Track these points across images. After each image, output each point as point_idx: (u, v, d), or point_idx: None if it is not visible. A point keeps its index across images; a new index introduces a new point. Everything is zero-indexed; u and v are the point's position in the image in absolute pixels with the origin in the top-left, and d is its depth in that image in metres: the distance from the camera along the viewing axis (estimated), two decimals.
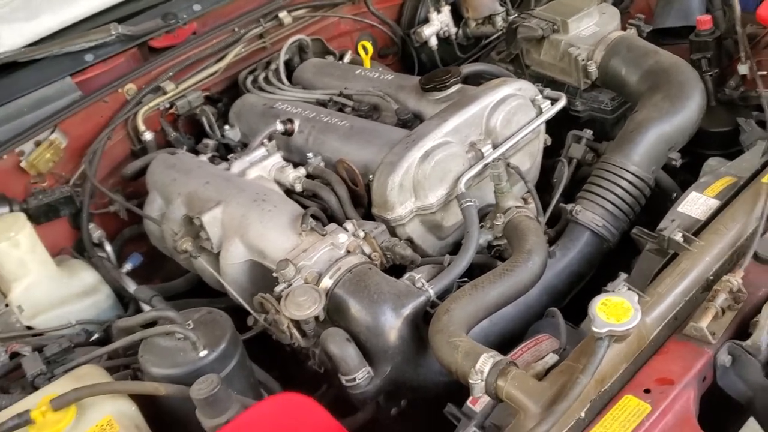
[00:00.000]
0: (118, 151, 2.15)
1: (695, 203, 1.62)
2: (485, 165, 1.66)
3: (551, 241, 1.72)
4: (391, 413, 1.55)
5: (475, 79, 2.02)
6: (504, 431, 1.22)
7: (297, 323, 1.43)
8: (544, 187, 1.91)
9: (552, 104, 1.81)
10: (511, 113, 1.73)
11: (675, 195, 1.84)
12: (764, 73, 1.91)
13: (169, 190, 1.84)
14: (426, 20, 2.57)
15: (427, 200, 1.62)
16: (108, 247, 2.01)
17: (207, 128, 2.16)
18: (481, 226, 1.66)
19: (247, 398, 1.31)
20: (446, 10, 2.57)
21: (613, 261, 1.73)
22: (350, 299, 1.44)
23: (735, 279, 1.34)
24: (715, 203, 1.60)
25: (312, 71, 2.23)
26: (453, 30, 2.61)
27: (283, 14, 2.31)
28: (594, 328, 1.19)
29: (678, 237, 1.48)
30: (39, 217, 1.98)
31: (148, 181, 1.94)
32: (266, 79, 2.18)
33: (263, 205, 1.62)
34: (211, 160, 1.94)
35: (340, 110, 2.00)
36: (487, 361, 1.24)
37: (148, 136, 2.12)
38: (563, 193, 1.84)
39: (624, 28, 2.10)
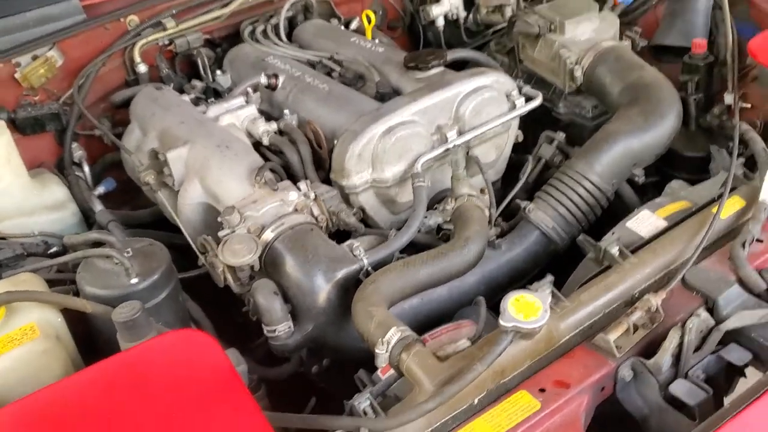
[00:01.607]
0: (113, 78, 2.21)
1: (644, 221, 1.65)
2: (446, 150, 1.69)
3: (502, 234, 1.76)
4: (312, 370, 1.61)
5: (462, 65, 2.05)
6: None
7: (232, 269, 1.49)
8: (510, 181, 1.95)
9: (527, 102, 1.83)
10: (482, 104, 1.76)
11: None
12: (748, 105, 1.91)
13: (147, 123, 1.89)
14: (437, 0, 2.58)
15: (383, 174, 1.66)
16: (86, 168, 2.08)
17: (201, 70, 2.21)
18: (435, 208, 1.70)
19: (164, 329, 1.38)
20: None
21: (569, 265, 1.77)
22: (287, 255, 1.49)
23: (655, 299, 1.37)
24: (662, 224, 1.63)
25: (311, 32, 2.26)
26: (462, 14, 2.61)
27: None
28: (501, 321, 1.24)
29: (614, 250, 1.51)
30: (25, 128, 2.05)
31: (130, 111, 2.00)
32: (264, 33, 2.21)
33: (226, 151, 1.67)
34: (195, 101, 1.99)
35: (328, 74, 2.04)
36: (395, 334, 1.29)
37: (142, 68, 2.17)
38: (529, 191, 1.87)
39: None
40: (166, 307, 1.45)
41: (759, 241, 1.53)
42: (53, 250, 1.79)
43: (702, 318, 1.33)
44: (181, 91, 2.10)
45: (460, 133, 1.74)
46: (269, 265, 1.52)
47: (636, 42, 2.06)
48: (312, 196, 1.59)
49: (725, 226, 1.57)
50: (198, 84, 2.11)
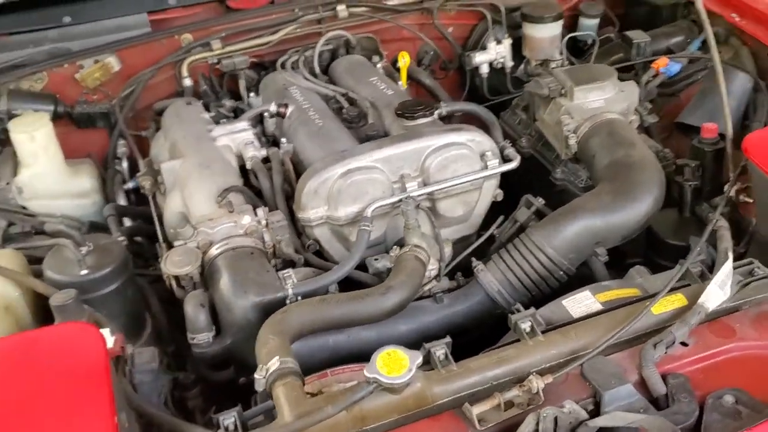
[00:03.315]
0: (164, 88, 2.47)
1: (580, 302, 1.62)
2: (401, 199, 1.76)
3: (454, 290, 1.80)
4: (239, 381, 1.74)
5: (467, 118, 2.10)
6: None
7: (176, 277, 1.66)
8: (490, 238, 1.97)
9: (506, 162, 1.86)
10: (449, 160, 1.80)
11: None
12: (750, 200, 1.81)
13: (167, 132, 2.12)
14: (484, 47, 2.63)
15: (336, 212, 1.76)
16: (124, 164, 2.34)
17: (241, 90, 2.41)
18: (387, 252, 1.78)
19: (102, 319, 1.56)
20: (507, 42, 2.60)
21: None
22: (223, 272, 1.63)
23: (539, 382, 1.37)
24: (596, 308, 1.59)
25: (343, 66, 2.40)
26: (509, 63, 2.64)
27: (340, 7, 2.48)
28: (365, 371, 1.30)
29: (525, 325, 1.51)
30: (80, 122, 2.36)
31: (161, 119, 2.24)
32: (295, 63, 2.37)
33: (205, 170, 1.84)
34: (216, 118, 2.18)
35: (340, 109, 2.16)
36: (275, 363, 1.39)
37: (187, 82, 2.41)
38: None
39: None
40: (112, 300, 1.64)
41: (684, 344, 1.46)
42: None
43: (566, 410, 1.30)
44: (207, 107, 2.31)
45: (425, 185, 1.80)
46: (209, 278, 1.67)
47: (643, 118, 2.00)
48: (263, 222, 1.72)
49: (655, 322, 1.51)
50: (227, 103, 2.31)
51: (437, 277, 1.77)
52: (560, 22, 2.53)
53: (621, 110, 2.01)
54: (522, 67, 2.67)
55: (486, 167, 1.84)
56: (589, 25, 2.77)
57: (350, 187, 1.74)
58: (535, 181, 2.17)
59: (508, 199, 2.10)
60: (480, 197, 1.90)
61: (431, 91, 2.65)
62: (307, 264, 1.78)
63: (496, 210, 2.02)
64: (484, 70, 2.63)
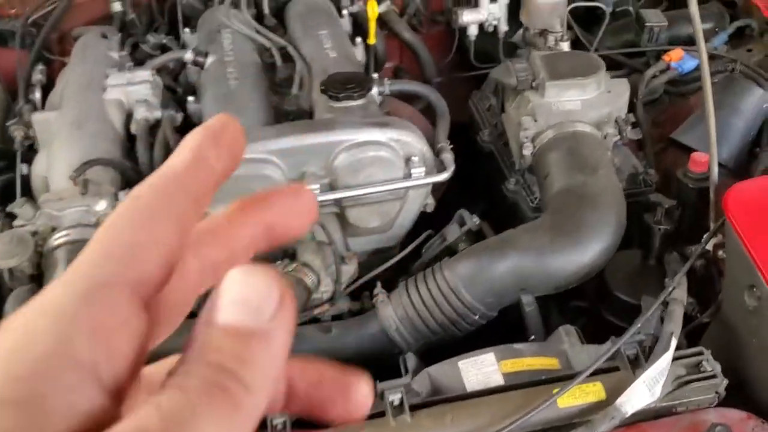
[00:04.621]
0: (95, 9, 2.13)
1: (480, 368, 1.31)
2: None
3: (356, 313, 1.52)
4: None
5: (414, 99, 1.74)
6: None
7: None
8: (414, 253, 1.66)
9: (434, 171, 1.51)
10: (362, 163, 1.46)
11: (533, 338, 1.52)
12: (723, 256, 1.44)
13: (65, 72, 1.80)
14: (476, 3, 2.20)
15: (213, 209, 1.45)
16: (37, 94, 2.05)
17: (179, 24, 2.06)
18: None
19: None
20: (503, 1, 2.18)
21: None
22: (58, 267, 1.36)
23: None
24: (494, 383, 1.28)
25: (298, 10, 2.01)
26: (504, 27, 2.23)
27: None
28: None
29: (393, 397, 1.21)
30: None
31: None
32: (236, 2, 2.00)
33: (76, 131, 1.54)
34: (125, 59, 1.85)
35: (272, 65, 1.81)
36: None
37: (116, 6, 2.06)
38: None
39: None
40: None
41: None
42: None
43: None
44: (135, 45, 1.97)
45: (332, 188, 1.47)
46: (45, 271, 1.40)
47: (624, 133, 1.61)
48: None
49: (557, 417, 1.20)
50: (151, 39, 1.96)
51: (331, 300, 1.48)
52: None
53: (599, 117, 1.62)
54: (521, 32, 2.25)
55: (409, 176, 1.49)
56: None
57: (231, 182, 1.39)
58: (492, 185, 1.83)
59: (464, 197, 1.78)
60: (403, 208, 1.57)
61: (410, 48, 2.27)
62: None
63: (443, 207, 1.69)
64: (473, 31, 2.22)
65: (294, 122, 1.54)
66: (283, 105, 1.66)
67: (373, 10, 2.04)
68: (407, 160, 1.49)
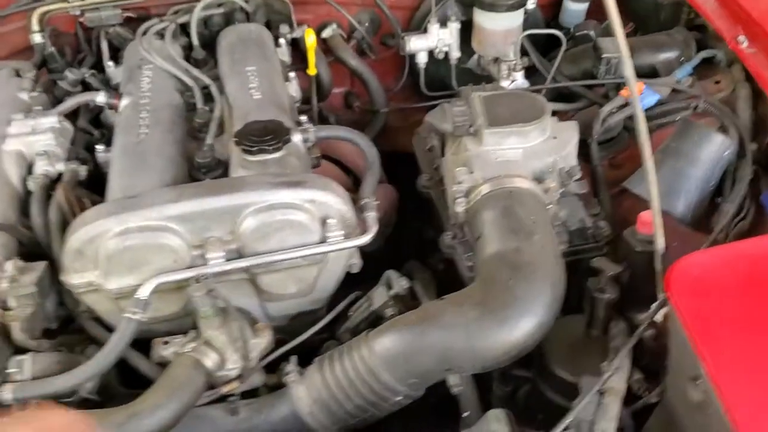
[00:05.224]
0: (15, 40, 1.99)
1: None
2: (196, 276, 1.30)
3: (273, 388, 1.38)
4: None
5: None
6: None
7: None
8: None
9: (350, 235, 1.36)
10: (271, 227, 1.32)
11: (467, 413, 1.39)
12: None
13: None
14: (425, 29, 2.06)
15: (107, 283, 1.31)
16: None
17: (103, 58, 1.92)
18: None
19: None
20: (453, 27, 2.03)
21: None
22: None
23: None
24: None
25: (230, 41, 1.86)
26: (455, 54, 2.08)
27: None
28: None
29: None
30: None
31: None
32: (162, 31, 1.85)
33: None
34: (37, 99, 1.70)
35: (193, 107, 1.67)
36: None
37: (36, 38, 1.92)
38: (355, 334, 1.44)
39: None
40: None
41: None
42: None
43: None
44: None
45: (240, 255, 1.33)
46: None
47: (565, 185, 1.46)
48: (3, 285, 1.28)
49: None
50: (70, 75, 1.81)
51: (240, 377, 1.34)
52: (519, 13, 1.94)
53: (542, 167, 1.47)
54: (475, 57, 2.11)
55: (325, 240, 1.35)
56: (574, 12, 2.17)
57: (125, 254, 1.28)
58: (434, 234, 1.68)
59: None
60: (323, 271, 1.43)
61: (356, 75, 2.13)
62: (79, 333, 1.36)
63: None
64: (422, 59, 2.08)
65: (197, 183, 1.40)
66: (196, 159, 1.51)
67: (311, 40, 1.90)
68: (324, 222, 1.35)
